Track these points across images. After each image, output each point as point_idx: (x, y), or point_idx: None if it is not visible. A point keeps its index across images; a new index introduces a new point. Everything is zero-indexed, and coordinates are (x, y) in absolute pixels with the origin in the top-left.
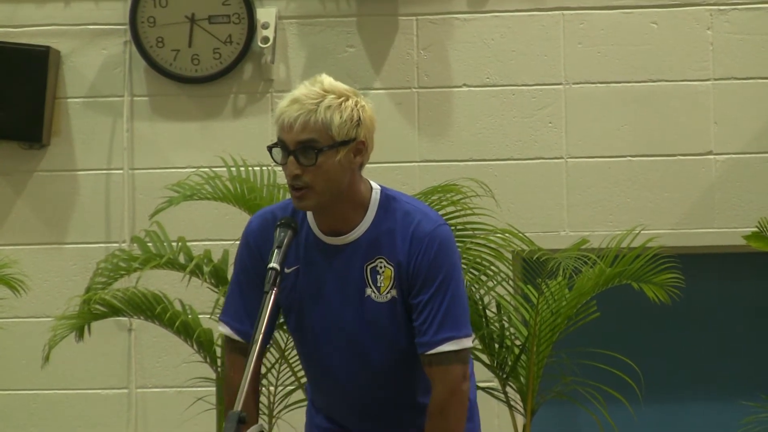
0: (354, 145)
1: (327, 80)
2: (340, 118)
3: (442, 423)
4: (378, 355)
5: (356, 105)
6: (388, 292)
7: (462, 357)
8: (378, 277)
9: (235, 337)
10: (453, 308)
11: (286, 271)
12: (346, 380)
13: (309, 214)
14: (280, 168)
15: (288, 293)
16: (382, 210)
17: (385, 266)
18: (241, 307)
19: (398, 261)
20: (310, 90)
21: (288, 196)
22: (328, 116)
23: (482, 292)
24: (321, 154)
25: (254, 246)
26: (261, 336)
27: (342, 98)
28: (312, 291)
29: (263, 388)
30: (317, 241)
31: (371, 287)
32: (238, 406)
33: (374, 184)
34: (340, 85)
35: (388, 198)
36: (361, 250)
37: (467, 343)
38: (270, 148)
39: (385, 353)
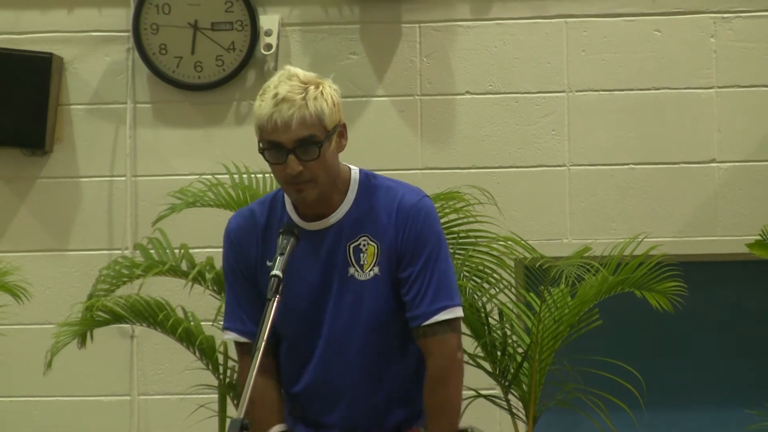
0: (339, 129)
1: (299, 71)
2: (327, 106)
3: (442, 392)
4: (363, 335)
5: (330, 89)
6: (370, 270)
7: (456, 326)
8: (361, 255)
9: (241, 339)
10: (444, 278)
11: (268, 264)
12: (332, 364)
13: (288, 203)
14: None
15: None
16: (363, 189)
17: (368, 243)
18: (237, 307)
19: (383, 236)
20: (290, 85)
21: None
22: (318, 108)
23: (484, 299)
24: (322, 147)
25: (236, 242)
26: (263, 342)
27: (319, 87)
28: (295, 279)
29: None
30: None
31: (354, 266)
32: (241, 413)
33: (352, 166)
34: (309, 74)
35: (367, 177)
36: (344, 231)
37: (460, 311)
38: (262, 151)
39: (367, 332)
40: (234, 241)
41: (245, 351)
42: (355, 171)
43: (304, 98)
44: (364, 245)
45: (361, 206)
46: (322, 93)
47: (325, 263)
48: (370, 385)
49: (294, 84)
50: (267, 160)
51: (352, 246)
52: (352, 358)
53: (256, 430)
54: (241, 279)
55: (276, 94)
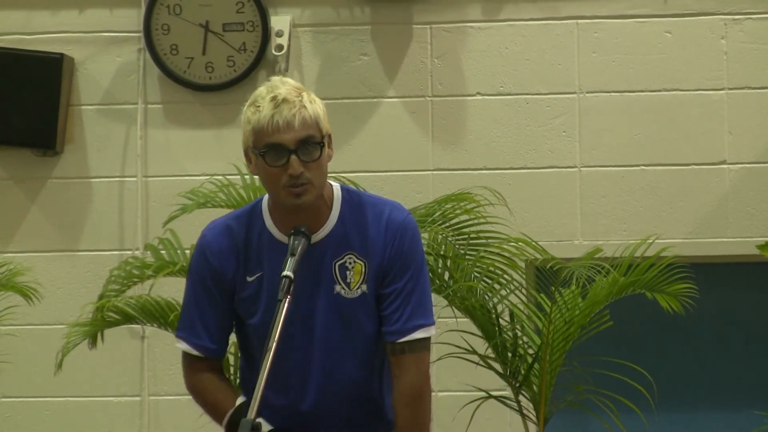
0: (328, 138)
1: (288, 79)
2: (321, 111)
3: (420, 408)
4: (350, 352)
5: (317, 99)
6: (358, 287)
7: (428, 345)
8: (347, 273)
9: (193, 352)
10: (423, 296)
11: (248, 279)
12: (319, 380)
13: (268, 218)
14: None
15: (251, 303)
16: (347, 205)
17: (355, 261)
18: (197, 320)
19: (372, 253)
20: (287, 88)
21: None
22: (316, 111)
23: (495, 300)
24: (322, 148)
25: (212, 260)
26: (274, 344)
27: (310, 94)
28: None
29: None
30: (278, 244)
31: (340, 284)
32: (252, 414)
33: (333, 182)
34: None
35: (350, 193)
36: (329, 248)
37: (433, 331)
38: (263, 154)
39: (356, 349)
40: (210, 258)
41: (194, 363)
42: (336, 187)
43: (302, 101)
44: (350, 263)
45: (348, 223)
46: (314, 99)
47: (310, 280)
48: (361, 401)
49: (289, 88)
50: (265, 165)
51: (337, 264)
52: (345, 373)
53: (219, 413)
54: (211, 295)
55: (275, 97)
